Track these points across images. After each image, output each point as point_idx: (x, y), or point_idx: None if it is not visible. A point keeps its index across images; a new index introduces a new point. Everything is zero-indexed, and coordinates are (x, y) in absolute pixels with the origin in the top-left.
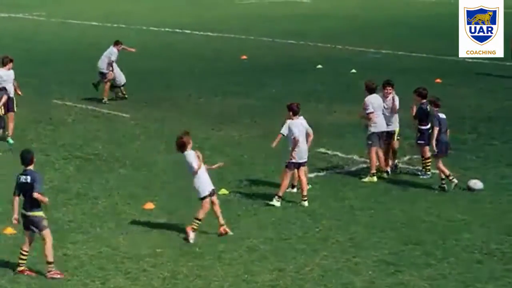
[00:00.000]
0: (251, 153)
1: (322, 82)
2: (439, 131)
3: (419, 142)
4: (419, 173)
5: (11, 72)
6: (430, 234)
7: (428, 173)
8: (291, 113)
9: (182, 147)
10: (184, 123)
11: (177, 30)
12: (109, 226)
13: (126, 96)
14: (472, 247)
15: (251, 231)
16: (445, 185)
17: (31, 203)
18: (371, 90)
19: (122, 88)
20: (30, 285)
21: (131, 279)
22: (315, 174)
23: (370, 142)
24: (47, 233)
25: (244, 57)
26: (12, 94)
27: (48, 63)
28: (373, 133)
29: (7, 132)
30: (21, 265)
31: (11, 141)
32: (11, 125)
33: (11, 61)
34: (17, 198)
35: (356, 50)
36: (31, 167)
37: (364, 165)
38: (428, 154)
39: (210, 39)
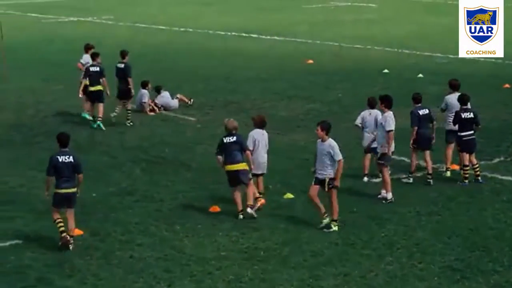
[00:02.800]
0: None
1: (388, 87)
2: (419, 127)
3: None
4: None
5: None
6: (497, 241)
7: (466, 181)
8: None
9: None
10: (250, 126)
11: (244, 35)
12: (175, 229)
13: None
14: None
15: (316, 236)
16: (430, 180)
17: (71, 181)
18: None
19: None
20: (97, 286)
21: (196, 281)
22: (380, 179)
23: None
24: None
25: (310, 61)
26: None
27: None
28: (451, 130)
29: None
30: (63, 230)
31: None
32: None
33: (93, 47)
34: (51, 178)
35: (423, 55)
36: (68, 148)
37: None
38: (466, 161)
39: (276, 44)
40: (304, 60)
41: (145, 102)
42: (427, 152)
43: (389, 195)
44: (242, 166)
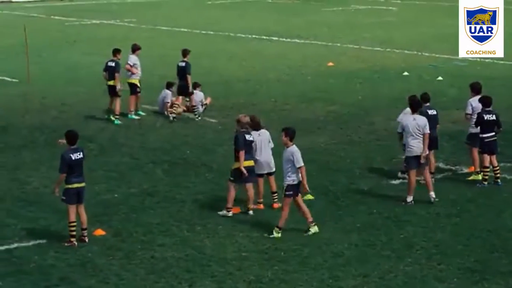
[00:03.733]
0: (336, 159)
1: (408, 89)
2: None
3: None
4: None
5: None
6: None
7: (485, 183)
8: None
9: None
10: (270, 128)
11: (264, 37)
12: (196, 229)
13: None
14: None
15: (335, 237)
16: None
17: (81, 176)
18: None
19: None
20: (119, 286)
21: (217, 282)
22: (400, 181)
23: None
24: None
25: (331, 64)
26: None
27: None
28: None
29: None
30: (74, 235)
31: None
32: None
33: (139, 48)
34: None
35: (443, 58)
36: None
37: (450, 173)
38: (487, 163)
39: (297, 46)
40: (325, 63)
41: (168, 103)
42: (432, 152)
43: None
44: (253, 163)
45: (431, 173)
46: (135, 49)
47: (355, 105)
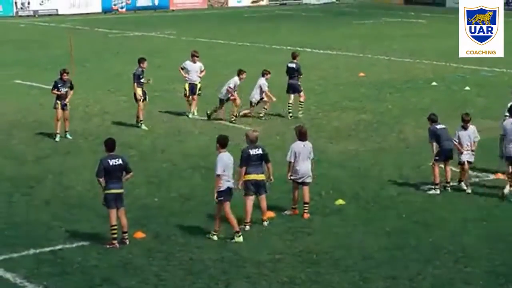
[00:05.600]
0: (367, 166)
1: (436, 99)
2: (440, 140)
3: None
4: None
5: (197, 64)
6: None
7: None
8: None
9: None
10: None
11: (299, 49)
12: (231, 233)
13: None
14: None
15: (366, 240)
16: (448, 188)
17: (120, 182)
18: None
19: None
20: (158, 286)
21: (251, 283)
22: (428, 186)
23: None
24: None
25: (362, 74)
26: (196, 82)
27: (178, 79)
28: None
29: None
30: (115, 237)
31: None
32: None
33: (197, 56)
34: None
35: (470, 68)
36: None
37: (477, 179)
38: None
39: (329, 57)
40: (357, 73)
41: (230, 87)
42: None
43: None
44: (263, 177)
45: (447, 182)
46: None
47: (385, 114)
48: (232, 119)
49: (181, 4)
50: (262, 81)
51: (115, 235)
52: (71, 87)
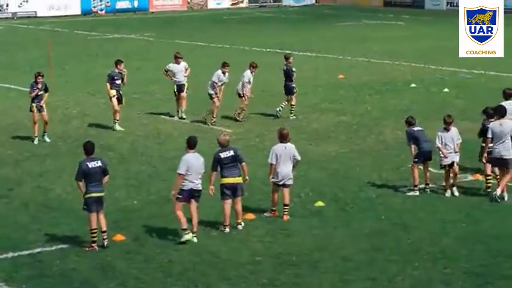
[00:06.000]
0: (346, 168)
1: (415, 100)
2: (418, 142)
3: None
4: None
5: (181, 65)
6: None
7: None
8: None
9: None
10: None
11: (278, 51)
12: (211, 235)
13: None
14: None
15: (345, 242)
16: (427, 189)
17: (101, 185)
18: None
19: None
20: None
21: (231, 285)
22: (407, 188)
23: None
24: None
25: (342, 76)
26: (183, 82)
27: (156, 81)
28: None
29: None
30: (95, 240)
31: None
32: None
33: (181, 58)
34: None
35: (449, 70)
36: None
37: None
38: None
39: (309, 59)
40: (336, 75)
41: (215, 82)
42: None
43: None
44: (240, 180)
45: (426, 184)
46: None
47: (364, 116)
48: (212, 120)
49: (160, 6)
50: (248, 73)
51: (95, 239)
52: (46, 90)
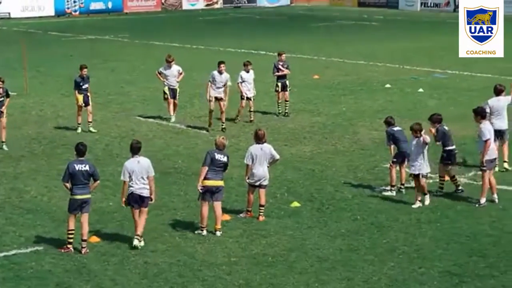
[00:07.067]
0: (322, 168)
1: (390, 101)
2: (398, 142)
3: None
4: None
5: (174, 68)
6: (494, 247)
7: (460, 188)
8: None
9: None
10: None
11: (253, 51)
12: (187, 236)
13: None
14: None
15: (321, 242)
16: (402, 189)
17: (86, 188)
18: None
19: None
20: None
21: (207, 286)
22: (382, 187)
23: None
24: (87, 214)
25: (316, 76)
26: (175, 87)
27: (132, 82)
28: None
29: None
30: (71, 242)
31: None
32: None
33: (173, 60)
34: (67, 184)
35: (423, 70)
36: (84, 158)
37: (430, 180)
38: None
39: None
40: (311, 75)
41: (209, 81)
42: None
43: (482, 200)
44: (222, 183)
45: (401, 184)
46: (168, 61)
47: (340, 116)
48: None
49: (135, 7)
50: (241, 73)
51: (71, 240)
52: (7, 95)
